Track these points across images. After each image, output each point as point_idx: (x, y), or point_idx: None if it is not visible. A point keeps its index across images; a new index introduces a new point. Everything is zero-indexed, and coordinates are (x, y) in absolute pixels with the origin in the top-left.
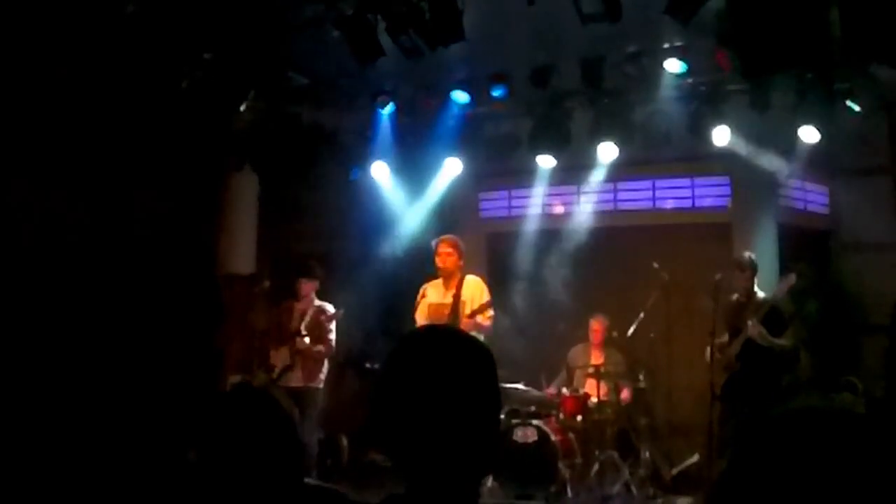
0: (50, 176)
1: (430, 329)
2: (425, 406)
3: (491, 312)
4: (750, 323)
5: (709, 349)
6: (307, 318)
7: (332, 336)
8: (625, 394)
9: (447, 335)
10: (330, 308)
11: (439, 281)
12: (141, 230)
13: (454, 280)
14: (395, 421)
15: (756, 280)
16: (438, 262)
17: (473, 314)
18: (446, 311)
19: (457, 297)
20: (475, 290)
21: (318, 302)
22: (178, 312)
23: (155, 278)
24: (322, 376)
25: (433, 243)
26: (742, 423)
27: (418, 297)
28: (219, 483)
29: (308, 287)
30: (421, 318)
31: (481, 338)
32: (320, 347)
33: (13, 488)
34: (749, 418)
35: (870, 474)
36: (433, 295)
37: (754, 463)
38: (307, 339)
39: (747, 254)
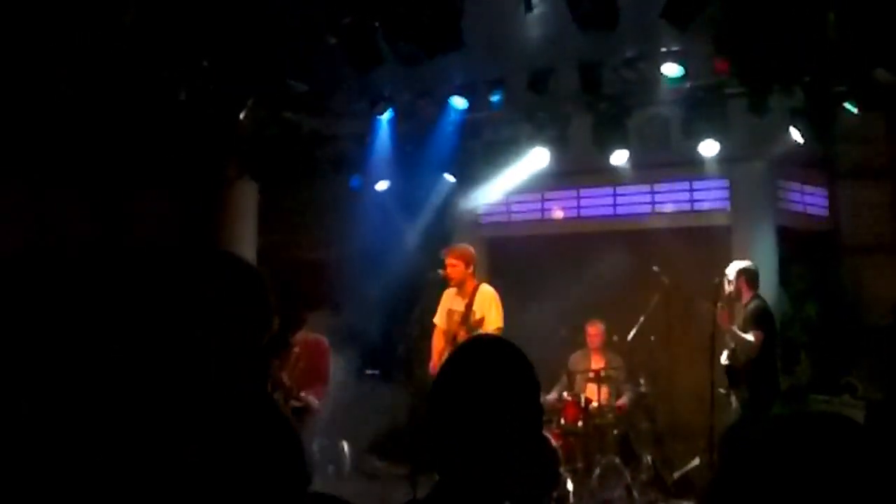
0: (51, 184)
1: (485, 340)
2: (473, 414)
3: (500, 325)
4: (717, 307)
5: (726, 353)
6: (299, 364)
7: (327, 374)
8: (621, 401)
9: (499, 347)
10: (324, 343)
11: (454, 288)
12: (141, 236)
13: (467, 288)
14: (445, 427)
15: (745, 286)
16: (447, 273)
17: (476, 327)
18: (458, 319)
19: (469, 305)
20: (487, 301)
21: (312, 338)
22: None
23: (157, 283)
24: (325, 391)
25: (442, 253)
26: (731, 429)
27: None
28: (220, 492)
29: (299, 334)
30: (440, 322)
31: None
32: (312, 398)
33: (35, 486)
34: (738, 423)
35: (860, 479)
36: (449, 301)
37: (745, 468)
38: (291, 400)
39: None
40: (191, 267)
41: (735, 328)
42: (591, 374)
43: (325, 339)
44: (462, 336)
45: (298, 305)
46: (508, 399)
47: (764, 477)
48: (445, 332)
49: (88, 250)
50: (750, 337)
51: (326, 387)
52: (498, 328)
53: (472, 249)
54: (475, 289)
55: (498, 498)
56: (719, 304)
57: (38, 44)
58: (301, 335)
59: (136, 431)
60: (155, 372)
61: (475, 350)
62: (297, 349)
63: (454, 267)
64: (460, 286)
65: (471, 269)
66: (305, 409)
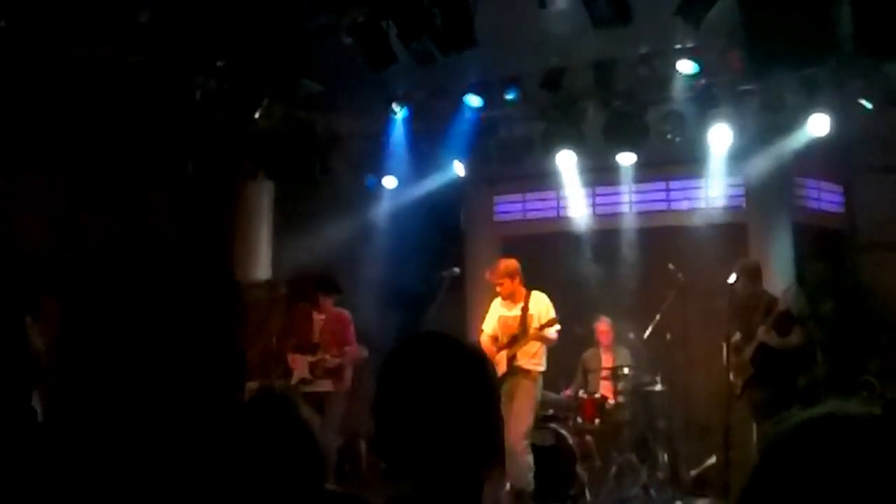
0: (68, 182)
1: (422, 336)
2: (416, 410)
3: (557, 326)
4: (761, 330)
5: (725, 350)
6: (325, 331)
7: (353, 341)
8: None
9: (438, 341)
10: (347, 314)
11: (504, 297)
12: (156, 237)
13: (518, 297)
14: (389, 426)
15: (760, 282)
16: (498, 292)
17: (542, 328)
18: (515, 324)
19: (525, 310)
20: (542, 306)
21: (336, 310)
22: (197, 316)
23: (171, 283)
24: (349, 380)
25: (486, 276)
26: (767, 430)
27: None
28: (239, 489)
29: (327, 301)
30: (489, 329)
31: (544, 349)
32: (338, 360)
33: (29, 494)
34: (774, 425)
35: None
36: (501, 308)
37: (781, 470)
38: (327, 356)
39: (745, 260)
40: (190, 272)
41: (781, 338)
42: (605, 372)
43: (346, 312)
44: (520, 338)
45: (329, 276)
46: (451, 390)
47: (802, 481)
48: (497, 338)
49: (103, 251)
50: (793, 339)
51: (354, 348)
52: (557, 329)
53: (512, 262)
54: (527, 295)
55: (475, 488)
56: (762, 329)
57: (53, 42)
58: (327, 304)
59: (141, 430)
60: (157, 370)
61: (413, 347)
62: (322, 317)
63: (502, 285)
64: (511, 296)
65: (517, 280)
66: (340, 368)
